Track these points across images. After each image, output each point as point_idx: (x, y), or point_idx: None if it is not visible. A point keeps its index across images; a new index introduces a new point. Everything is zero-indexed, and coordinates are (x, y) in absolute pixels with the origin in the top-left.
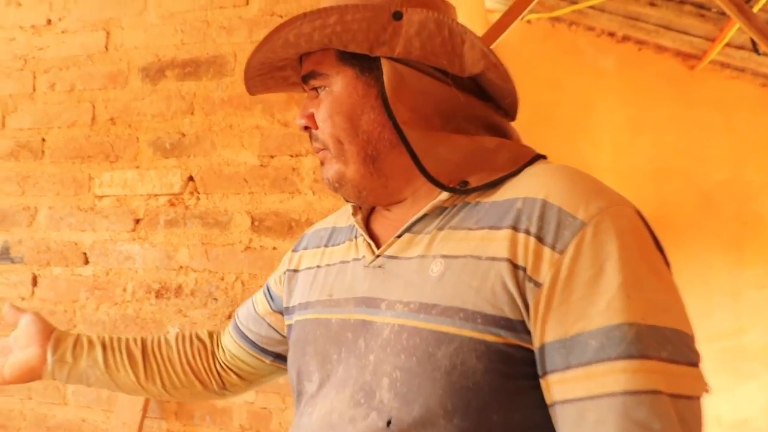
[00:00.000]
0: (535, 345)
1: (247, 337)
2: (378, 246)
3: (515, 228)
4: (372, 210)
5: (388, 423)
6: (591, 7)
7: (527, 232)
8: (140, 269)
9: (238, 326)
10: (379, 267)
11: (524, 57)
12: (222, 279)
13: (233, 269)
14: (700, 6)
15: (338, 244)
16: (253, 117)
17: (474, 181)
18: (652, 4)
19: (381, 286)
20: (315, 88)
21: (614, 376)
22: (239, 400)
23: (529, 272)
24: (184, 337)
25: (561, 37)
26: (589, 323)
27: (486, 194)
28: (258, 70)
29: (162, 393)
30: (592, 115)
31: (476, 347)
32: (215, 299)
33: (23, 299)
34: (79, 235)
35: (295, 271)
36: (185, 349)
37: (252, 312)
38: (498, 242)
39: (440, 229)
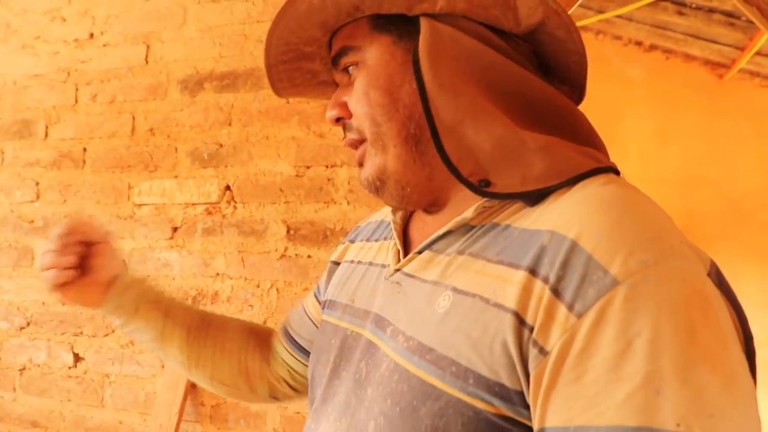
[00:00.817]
0: (535, 427)
1: (299, 345)
2: (406, 254)
3: (533, 271)
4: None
5: None
6: (618, 16)
7: (545, 280)
8: (177, 276)
9: (289, 333)
10: (397, 283)
11: None
12: (258, 286)
13: (269, 277)
14: (730, 15)
15: (375, 240)
16: (290, 128)
17: (500, 185)
18: (681, 13)
19: (393, 307)
20: (347, 69)
21: None
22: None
23: (535, 334)
24: (250, 330)
25: (588, 46)
26: (600, 417)
27: (520, 216)
28: (283, 55)
29: (209, 384)
30: (620, 124)
31: (463, 411)
32: (251, 306)
33: (64, 304)
34: (119, 242)
35: (336, 263)
36: (245, 344)
37: (303, 316)
38: (511, 285)
39: (460, 253)
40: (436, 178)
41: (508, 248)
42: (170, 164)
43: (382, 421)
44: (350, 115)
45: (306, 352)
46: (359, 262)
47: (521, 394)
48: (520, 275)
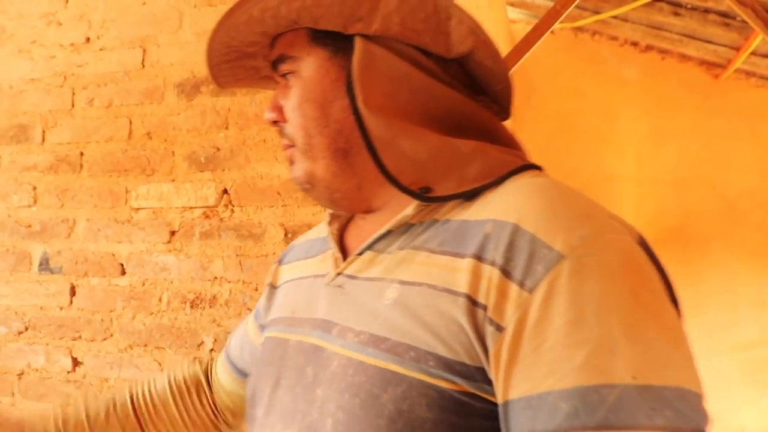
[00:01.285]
0: (499, 401)
1: (240, 369)
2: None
3: (479, 257)
4: (350, 219)
5: None
6: (614, 16)
7: (492, 264)
8: (176, 280)
9: (231, 359)
10: (339, 287)
11: (547, 67)
12: (255, 290)
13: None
14: (725, 15)
15: (309, 257)
16: None
17: (440, 190)
18: (676, 14)
19: (337, 309)
20: (285, 75)
21: None
22: None
23: (490, 313)
24: (179, 386)
25: (584, 46)
26: (561, 381)
27: (458, 211)
28: (225, 56)
29: None
30: (615, 124)
31: (426, 393)
32: (249, 309)
33: (62, 308)
34: (116, 246)
35: (273, 286)
36: (185, 402)
37: (245, 339)
38: (459, 273)
39: (402, 249)
40: (366, 187)
41: (449, 239)
42: (167, 168)
43: (341, 416)
44: (285, 120)
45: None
46: (300, 278)
47: (482, 371)
48: (467, 262)
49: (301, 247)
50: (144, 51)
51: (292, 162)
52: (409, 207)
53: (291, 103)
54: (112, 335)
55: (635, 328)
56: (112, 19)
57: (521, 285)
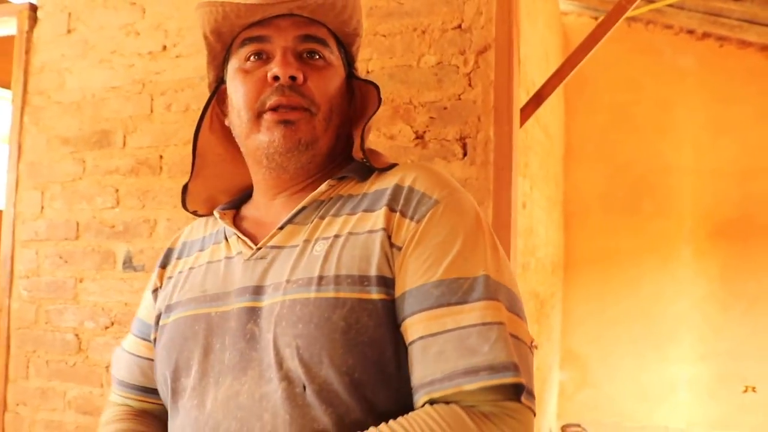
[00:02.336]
0: (396, 295)
1: (148, 389)
2: (255, 242)
3: (390, 208)
4: (235, 216)
5: (304, 387)
6: (669, 4)
7: (395, 211)
8: None
9: (144, 389)
10: (262, 258)
11: (599, 58)
12: None
13: None
14: None
15: (201, 250)
16: None
17: (376, 165)
18: None
19: (265, 274)
20: (312, 54)
21: (451, 317)
22: None
23: (392, 239)
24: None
25: (637, 36)
26: (433, 277)
27: (355, 188)
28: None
29: None
30: (672, 115)
31: (366, 306)
32: None
33: None
34: None
35: (156, 289)
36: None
37: (142, 363)
38: (374, 219)
39: (322, 218)
40: (327, 165)
41: (359, 205)
42: None
43: (300, 341)
44: (304, 83)
45: (155, 392)
46: (191, 268)
47: (394, 281)
48: (382, 211)
49: (183, 246)
50: None
51: (293, 122)
52: (322, 186)
53: (323, 80)
54: None
55: (479, 245)
56: (188, 28)
57: (411, 219)
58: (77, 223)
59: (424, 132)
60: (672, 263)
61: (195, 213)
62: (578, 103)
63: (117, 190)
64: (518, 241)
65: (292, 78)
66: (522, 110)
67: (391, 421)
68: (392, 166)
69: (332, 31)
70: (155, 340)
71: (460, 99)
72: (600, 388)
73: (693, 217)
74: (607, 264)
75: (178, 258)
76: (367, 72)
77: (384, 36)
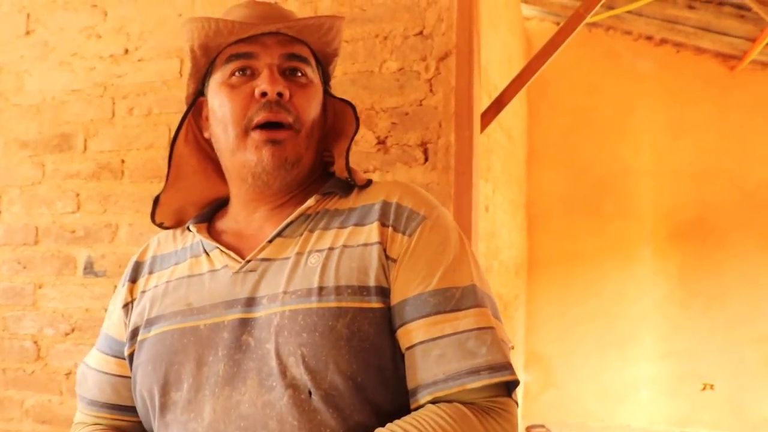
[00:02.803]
0: (393, 303)
1: (128, 407)
2: (240, 255)
3: (381, 223)
4: (209, 230)
5: (309, 393)
6: (628, 11)
7: (387, 226)
8: None
9: (115, 406)
10: (252, 271)
11: (561, 63)
12: None
13: None
14: (740, 7)
15: (177, 264)
16: None
17: (356, 181)
18: (691, 7)
19: (257, 286)
20: (295, 72)
21: (448, 323)
22: None
23: (387, 252)
24: None
25: (598, 42)
26: (429, 286)
27: (340, 203)
28: (249, 29)
29: None
30: (631, 118)
31: (367, 315)
32: None
33: (106, 310)
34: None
35: (127, 304)
36: None
37: (112, 379)
38: (367, 233)
39: (311, 231)
40: (304, 184)
41: (347, 219)
42: None
43: (305, 350)
44: (289, 99)
45: (128, 410)
46: (168, 282)
47: (389, 291)
48: (374, 225)
49: (153, 261)
50: (181, 61)
51: (279, 142)
52: (311, 200)
53: (306, 97)
54: None
55: (465, 257)
56: (150, 31)
57: (404, 233)
58: (36, 228)
59: (386, 137)
60: (633, 264)
61: (161, 225)
62: (541, 107)
63: (77, 195)
64: (481, 244)
65: (279, 94)
66: (483, 115)
67: (399, 421)
68: (369, 181)
69: (313, 50)
70: (131, 355)
71: (421, 105)
72: (564, 388)
73: (653, 218)
74: (570, 265)
75: (150, 272)
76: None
77: (346, 42)
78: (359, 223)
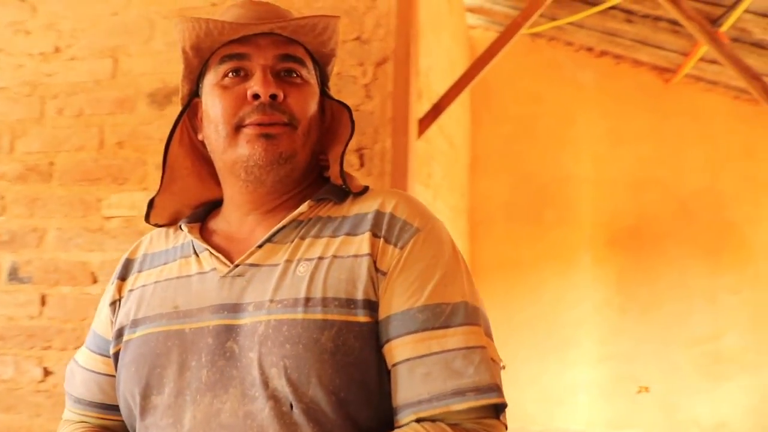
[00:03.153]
0: (380, 318)
1: (111, 405)
2: (229, 259)
3: (373, 233)
4: (201, 230)
5: (291, 406)
6: (570, 23)
7: (378, 237)
8: None
9: (100, 405)
10: (239, 276)
11: (505, 72)
12: None
13: None
14: (675, 22)
15: (166, 263)
16: None
17: (352, 188)
18: (629, 21)
19: (243, 292)
20: (290, 72)
21: (436, 340)
22: None
23: (377, 265)
24: None
25: (541, 52)
26: (418, 301)
27: (333, 210)
28: (246, 29)
29: None
30: (572, 127)
31: (353, 328)
32: None
33: (31, 318)
34: (88, 255)
35: (115, 302)
36: None
37: (98, 378)
38: (358, 244)
39: (302, 238)
40: (301, 182)
41: (339, 228)
42: (139, 177)
43: (288, 362)
44: (283, 100)
45: (115, 409)
46: (156, 282)
47: (378, 305)
48: (366, 236)
49: (143, 259)
50: (115, 61)
51: (274, 136)
52: (303, 205)
53: (301, 97)
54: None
55: (458, 274)
56: (82, 29)
57: (395, 245)
58: None
59: None
60: (572, 270)
61: (156, 225)
62: (484, 115)
63: (2, 198)
64: None
65: (273, 96)
66: (421, 121)
67: None
68: (366, 188)
69: (309, 50)
70: (116, 354)
71: (358, 110)
72: (505, 393)
73: (592, 225)
74: (512, 272)
75: (140, 271)
76: None
77: None
78: (351, 233)
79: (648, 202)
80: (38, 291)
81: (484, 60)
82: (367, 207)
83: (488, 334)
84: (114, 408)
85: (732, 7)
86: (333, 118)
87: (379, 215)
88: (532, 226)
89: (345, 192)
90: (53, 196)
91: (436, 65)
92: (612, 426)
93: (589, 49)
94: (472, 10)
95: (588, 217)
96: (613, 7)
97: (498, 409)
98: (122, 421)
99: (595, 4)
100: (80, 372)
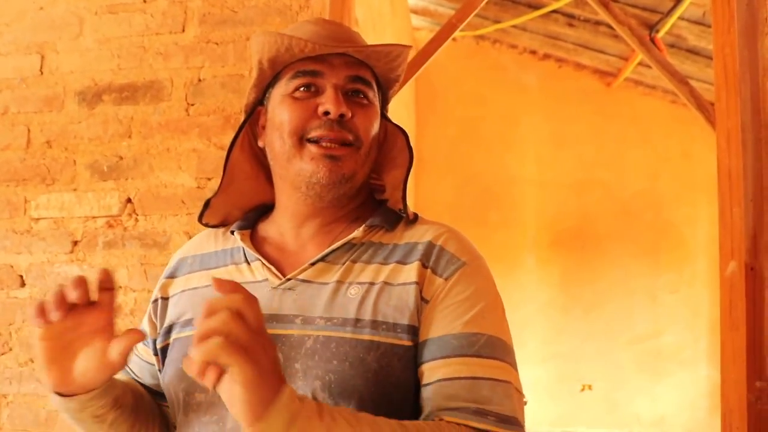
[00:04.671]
0: (420, 340)
1: (154, 391)
2: (281, 271)
3: (422, 263)
4: (252, 237)
5: None
6: (513, 26)
7: (427, 267)
8: None
9: (145, 388)
10: (290, 289)
11: (450, 74)
12: None
13: None
14: (613, 27)
15: (218, 267)
16: (190, 140)
17: (408, 215)
18: (570, 25)
19: (293, 305)
20: (359, 93)
21: (467, 366)
22: None
23: (422, 293)
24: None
25: (485, 54)
26: (454, 329)
27: (386, 238)
28: (315, 49)
29: None
30: (516, 129)
31: (397, 351)
32: None
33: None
34: (15, 257)
35: (165, 298)
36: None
37: (140, 363)
38: (407, 272)
39: (354, 261)
40: (352, 200)
41: (391, 255)
42: (69, 177)
43: (332, 377)
44: (351, 119)
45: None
46: (209, 286)
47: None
48: (415, 265)
49: (193, 260)
50: (42, 57)
51: (338, 158)
52: (358, 230)
53: (366, 118)
54: (11, 349)
55: (494, 307)
56: (6, 24)
57: (441, 276)
58: None
59: None
60: (517, 271)
61: (207, 225)
62: (429, 117)
63: None
64: None
65: (342, 115)
66: None
67: (408, 422)
68: (416, 216)
69: (375, 73)
70: (164, 349)
71: None
72: None
73: (536, 227)
74: None
75: (191, 272)
76: (199, 80)
77: (217, 44)
78: (402, 261)
79: (590, 203)
80: None
81: (420, 60)
82: (418, 236)
83: (516, 369)
84: (160, 395)
85: (668, 14)
86: (386, 140)
87: (430, 246)
88: (477, 228)
89: (397, 218)
90: None
91: None
92: (557, 423)
93: (533, 52)
94: (415, 11)
95: (532, 219)
96: (555, 11)
97: None
98: (166, 406)
99: (537, 8)
100: (135, 358)
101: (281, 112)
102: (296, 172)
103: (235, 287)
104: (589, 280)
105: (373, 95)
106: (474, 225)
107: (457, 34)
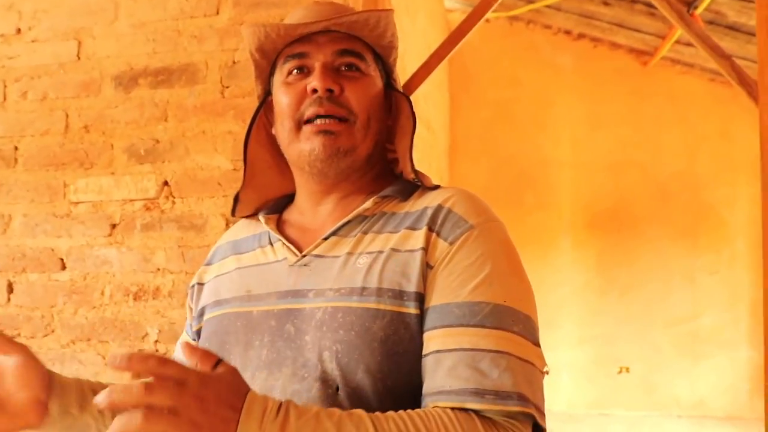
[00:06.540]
0: (426, 307)
1: None
2: (299, 249)
3: (430, 228)
4: (278, 221)
5: (337, 389)
6: (547, 6)
7: (433, 231)
8: (117, 273)
9: None
10: (305, 265)
11: (483, 55)
12: None
13: None
14: (650, 5)
15: (247, 252)
16: (226, 122)
17: (425, 183)
18: (606, 3)
19: (308, 280)
20: (350, 66)
21: (468, 337)
22: None
23: (427, 258)
24: None
25: (519, 35)
26: (458, 297)
27: (398, 207)
28: (304, 28)
29: None
30: (551, 110)
31: (403, 319)
32: None
33: None
34: (55, 241)
35: (201, 284)
36: None
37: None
38: (416, 238)
39: (365, 233)
40: (368, 174)
41: (402, 222)
42: (106, 161)
43: (340, 346)
44: (341, 94)
45: None
46: (238, 268)
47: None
48: (423, 230)
49: (226, 247)
50: (79, 43)
51: (333, 132)
52: (368, 201)
53: (359, 90)
54: (53, 331)
55: (505, 273)
56: (44, 10)
57: (446, 240)
58: None
59: None
60: (552, 253)
61: (242, 217)
62: (463, 100)
63: None
64: None
65: (330, 90)
66: None
67: (410, 411)
68: (437, 187)
69: (368, 44)
70: (198, 332)
71: None
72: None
73: (571, 208)
74: None
75: (224, 258)
76: (234, 63)
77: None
78: (412, 227)
79: (626, 184)
80: (5, 278)
81: (453, 40)
82: (430, 200)
83: (529, 338)
84: None
85: None
86: (398, 109)
87: (438, 209)
88: (512, 210)
89: (413, 187)
90: (18, 182)
91: (412, 48)
92: (594, 406)
93: (567, 32)
94: None
95: (567, 201)
96: None
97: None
98: None
99: None
100: (180, 343)
101: (279, 99)
102: (297, 154)
103: (143, 360)
104: (625, 262)
105: (367, 66)
106: (509, 207)
107: (490, 14)
